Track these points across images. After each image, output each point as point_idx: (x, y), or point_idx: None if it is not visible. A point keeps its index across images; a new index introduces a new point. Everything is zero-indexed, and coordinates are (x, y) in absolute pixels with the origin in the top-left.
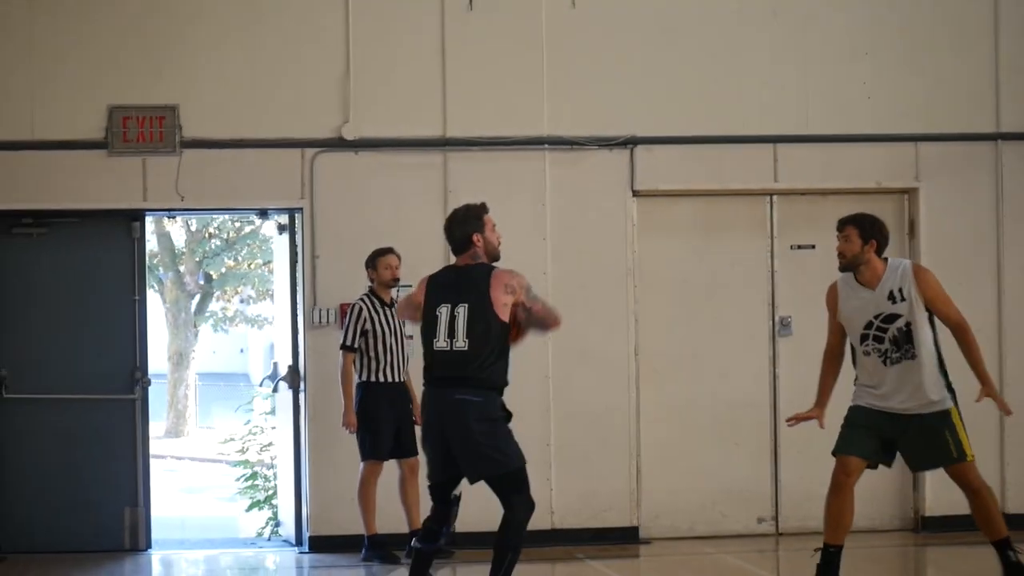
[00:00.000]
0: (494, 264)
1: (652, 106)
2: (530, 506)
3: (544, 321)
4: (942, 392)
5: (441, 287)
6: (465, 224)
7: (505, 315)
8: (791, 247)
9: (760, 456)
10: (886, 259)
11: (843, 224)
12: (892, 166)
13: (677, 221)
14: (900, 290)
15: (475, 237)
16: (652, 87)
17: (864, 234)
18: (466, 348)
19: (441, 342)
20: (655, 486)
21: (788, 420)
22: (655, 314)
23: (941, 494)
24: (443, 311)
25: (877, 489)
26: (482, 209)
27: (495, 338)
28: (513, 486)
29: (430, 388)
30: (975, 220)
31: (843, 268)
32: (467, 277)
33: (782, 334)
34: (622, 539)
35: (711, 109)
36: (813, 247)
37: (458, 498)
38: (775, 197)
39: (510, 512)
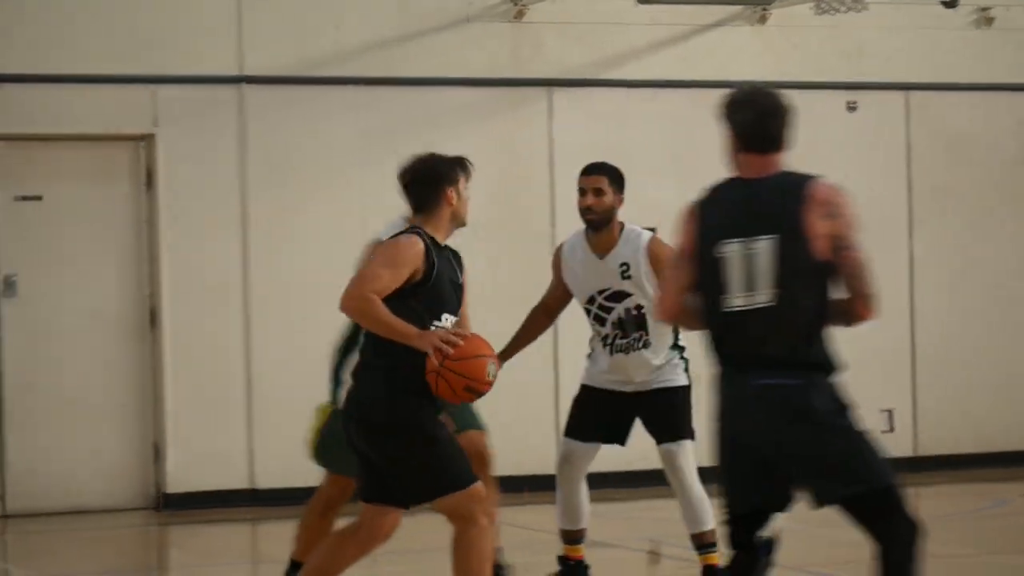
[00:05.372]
0: None
1: None
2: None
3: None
4: None
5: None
6: None
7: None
8: (15, 198)
9: None
10: None
11: None
12: (128, 110)
13: None
14: None
15: None
16: None
17: None
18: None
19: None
20: None
21: None
22: None
23: (179, 473)
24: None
25: (117, 467)
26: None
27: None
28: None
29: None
30: (216, 167)
31: None
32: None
33: (6, 295)
34: None
35: None
36: (40, 198)
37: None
38: None
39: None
